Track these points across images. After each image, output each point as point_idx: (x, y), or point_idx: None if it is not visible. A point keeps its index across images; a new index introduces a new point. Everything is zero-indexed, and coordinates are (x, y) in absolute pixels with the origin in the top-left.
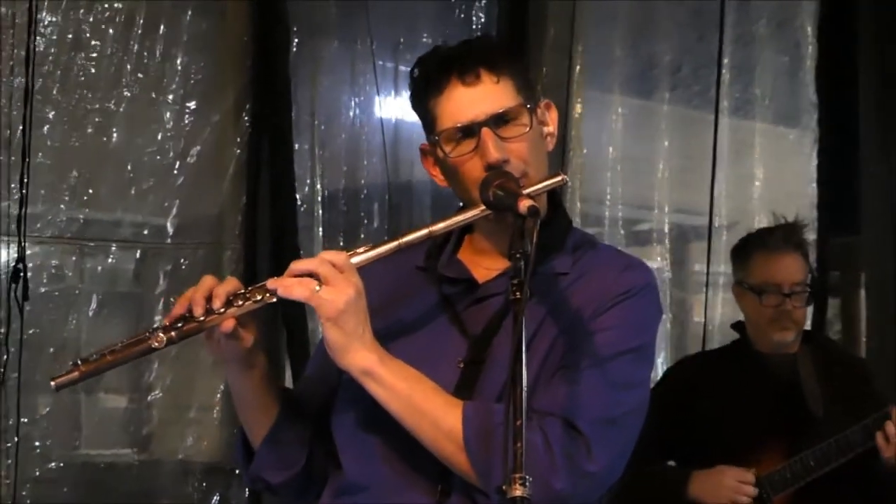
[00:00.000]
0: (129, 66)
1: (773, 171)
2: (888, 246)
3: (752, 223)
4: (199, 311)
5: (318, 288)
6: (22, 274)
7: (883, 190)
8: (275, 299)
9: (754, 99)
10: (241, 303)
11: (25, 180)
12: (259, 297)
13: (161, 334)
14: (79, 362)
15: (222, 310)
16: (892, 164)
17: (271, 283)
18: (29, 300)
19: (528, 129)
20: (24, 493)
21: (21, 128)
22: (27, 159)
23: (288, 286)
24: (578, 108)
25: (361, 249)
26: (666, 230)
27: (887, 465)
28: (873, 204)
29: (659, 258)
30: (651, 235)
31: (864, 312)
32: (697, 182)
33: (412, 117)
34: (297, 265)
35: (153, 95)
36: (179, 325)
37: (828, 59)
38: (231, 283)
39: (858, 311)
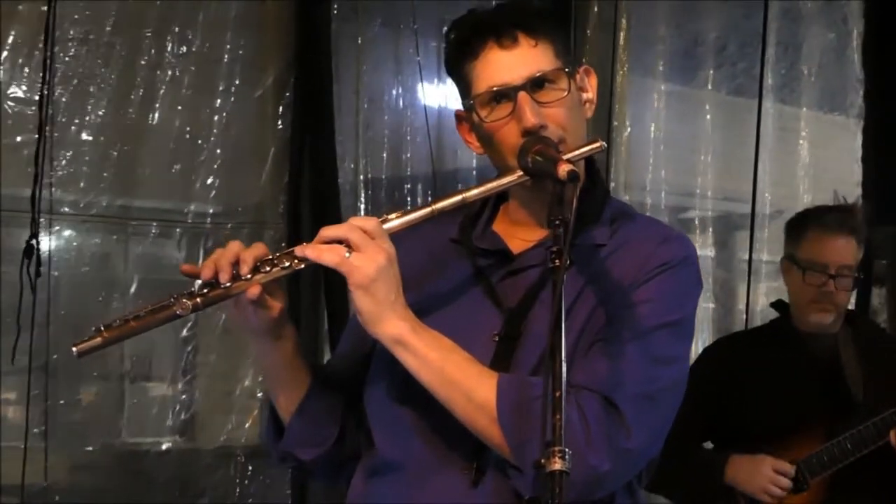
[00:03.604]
0: (171, 45)
1: (819, 157)
2: None
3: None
4: (225, 277)
5: (348, 255)
6: (35, 251)
7: None
8: (303, 266)
9: (800, 76)
10: (268, 269)
11: (42, 159)
12: (287, 264)
13: (186, 300)
14: (101, 328)
15: (249, 276)
16: None
17: (300, 250)
18: (69, 282)
19: (566, 93)
20: (58, 477)
21: (45, 108)
22: (43, 135)
23: (318, 252)
24: (622, 87)
25: (394, 216)
26: (710, 217)
27: None
28: None
29: (704, 246)
30: (694, 223)
31: None
32: (742, 168)
33: (456, 104)
34: (327, 231)
35: (195, 73)
36: (205, 291)
37: (876, 35)
38: (258, 248)
39: None
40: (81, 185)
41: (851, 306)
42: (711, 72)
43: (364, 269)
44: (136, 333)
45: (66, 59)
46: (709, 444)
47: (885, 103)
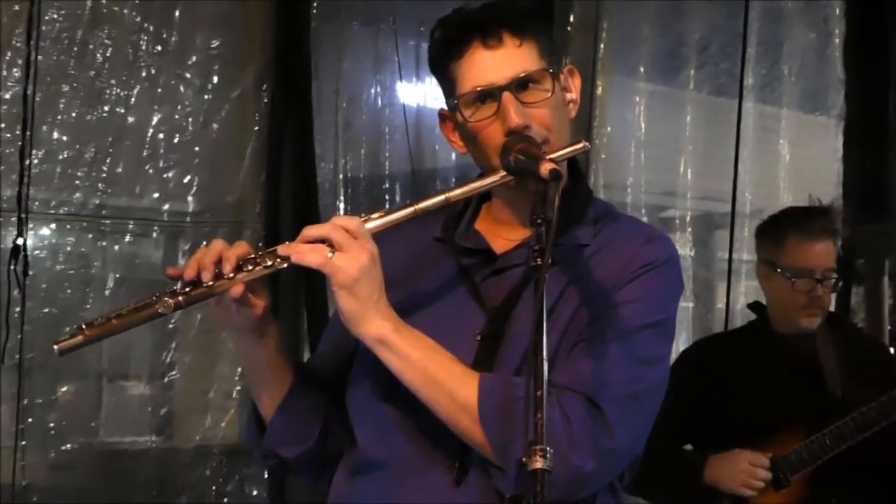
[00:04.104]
0: (147, 42)
1: (800, 157)
2: None
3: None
4: (208, 276)
5: (330, 254)
6: (22, 251)
7: None
8: (286, 265)
9: (781, 76)
10: (251, 268)
11: (28, 158)
12: (270, 263)
13: (168, 299)
14: (83, 326)
15: (232, 274)
16: None
17: (283, 249)
18: (45, 280)
19: (550, 94)
20: (37, 477)
21: (23, 104)
22: (28, 133)
23: (301, 252)
24: (603, 87)
25: (376, 215)
26: (690, 217)
27: None
28: None
29: (684, 245)
30: (675, 223)
31: (887, 301)
32: (723, 168)
33: (434, 103)
34: (310, 231)
35: (172, 72)
36: (187, 289)
37: (857, 35)
38: (241, 247)
39: (882, 300)
40: (55, 183)
41: (831, 307)
42: (693, 72)
43: (347, 270)
44: (119, 332)
45: (40, 57)
46: (689, 447)
47: (866, 103)
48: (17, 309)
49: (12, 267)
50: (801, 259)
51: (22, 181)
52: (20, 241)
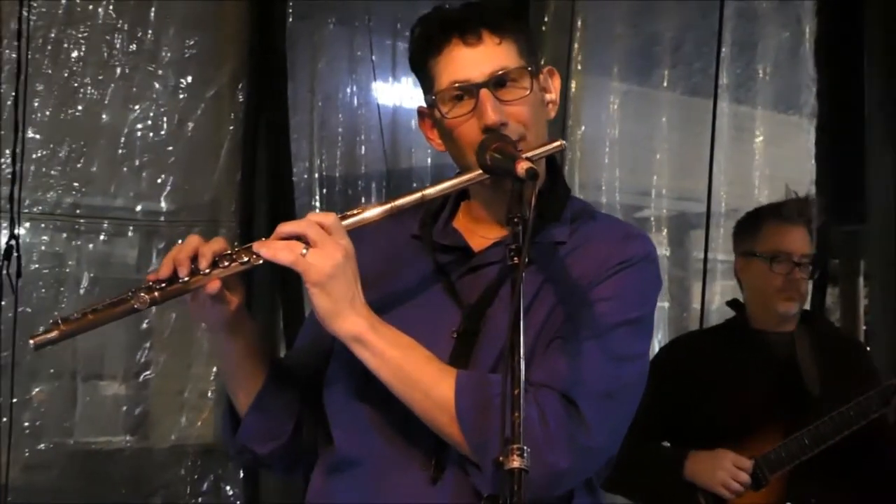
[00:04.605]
0: (121, 41)
1: (774, 156)
2: (893, 235)
3: None
4: (183, 272)
5: (304, 251)
6: (15, 252)
7: (890, 178)
8: (261, 261)
9: (755, 76)
10: (226, 264)
11: (19, 155)
12: (246, 259)
13: (144, 294)
14: (59, 321)
15: (207, 270)
16: None
17: (257, 246)
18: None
19: (528, 92)
20: (11, 476)
21: (10, 102)
22: (19, 133)
23: (273, 249)
24: (577, 86)
25: (352, 212)
26: (665, 216)
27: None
28: (879, 192)
29: (659, 245)
30: (650, 222)
31: (862, 301)
32: (698, 168)
33: (410, 103)
34: (284, 227)
35: (147, 71)
36: (163, 285)
37: (828, 34)
38: (217, 243)
39: (858, 300)
40: (29, 182)
41: (807, 305)
42: (667, 71)
43: (320, 267)
44: (94, 327)
45: (13, 56)
46: (666, 444)
47: (838, 102)
48: None
49: (4, 272)
50: (778, 243)
51: (14, 182)
52: (13, 242)
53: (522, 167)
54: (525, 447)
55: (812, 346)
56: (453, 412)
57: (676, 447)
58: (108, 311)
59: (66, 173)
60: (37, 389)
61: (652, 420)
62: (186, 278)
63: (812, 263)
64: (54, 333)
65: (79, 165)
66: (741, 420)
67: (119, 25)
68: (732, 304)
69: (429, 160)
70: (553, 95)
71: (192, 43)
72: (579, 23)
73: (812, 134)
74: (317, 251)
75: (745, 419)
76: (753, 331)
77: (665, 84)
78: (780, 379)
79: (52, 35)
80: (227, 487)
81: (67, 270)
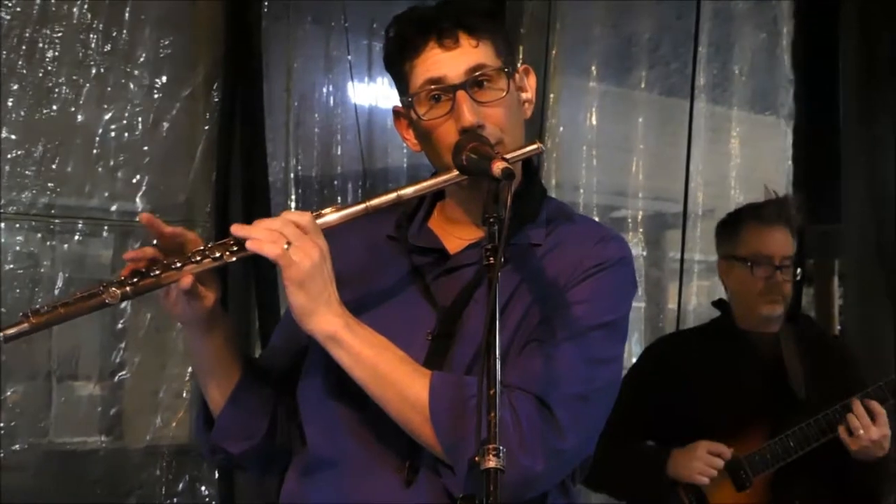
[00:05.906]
0: (96, 41)
1: (750, 157)
2: (869, 235)
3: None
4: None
5: (286, 247)
6: None
7: (865, 178)
8: (234, 258)
9: (732, 76)
10: (199, 259)
11: None
12: (219, 255)
13: (115, 289)
14: (29, 314)
15: (180, 265)
16: (874, 153)
17: (239, 230)
18: None
19: (504, 93)
20: None
21: None
22: None
23: (259, 241)
24: (555, 88)
25: (327, 210)
26: (641, 217)
27: (855, 458)
28: (855, 192)
29: (636, 245)
30: (626, 223)
31: (837, 301)
32: (674, 169)
33: (386, 103)
34: (260, 224)
35: (121, 70)
36: (135, 280)
37: (804, 35)
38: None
39: (833, 300)
40: (3, 182)
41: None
42: (644, 72)
43: (299, 265)
44: (65, 320)
45: None
46: (651, 443)
47: (814, 103)
48: None
49: None
50: (758, 246)
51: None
52: None
53: (498, 167)
54: (501, 447)
55: (798, 347)
56: (427, 413)
57: (660, 446)
58: (79, 305)
59: (40, 173)
60: (11, 390)
61: (637, 418)
62: (158, 273)
63: (794, 264)
64: (24, 326)
65: (53, 165)
66: (726, 420)
67: (94, 25)
68: (718, 304)
69: (405, 160)
70: (529, 95)
71: (167, 43)
72: (557, 24)
73: (789, 135)
74: (294, 249)
75: (731, 419)
76: (739, 331)
77: (642, 85)
78: (766, 380)
79: (27, 34)
80: (203, 488)
81: (42, 270)
